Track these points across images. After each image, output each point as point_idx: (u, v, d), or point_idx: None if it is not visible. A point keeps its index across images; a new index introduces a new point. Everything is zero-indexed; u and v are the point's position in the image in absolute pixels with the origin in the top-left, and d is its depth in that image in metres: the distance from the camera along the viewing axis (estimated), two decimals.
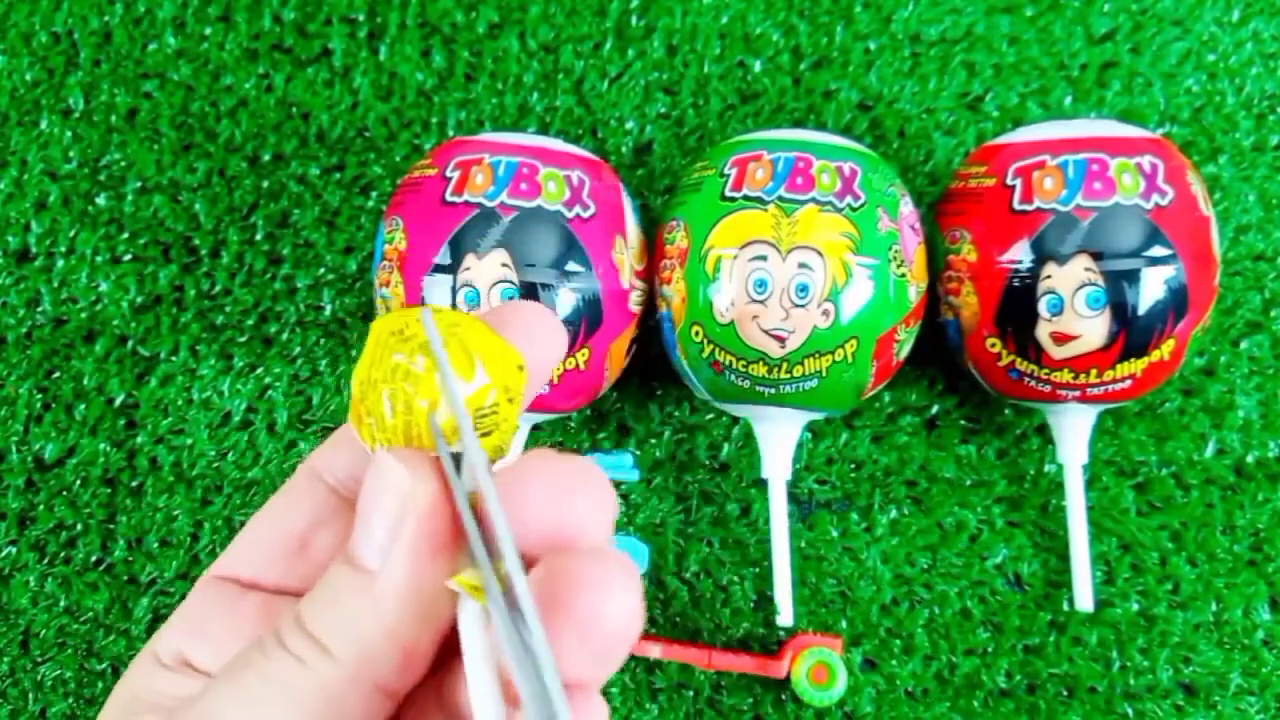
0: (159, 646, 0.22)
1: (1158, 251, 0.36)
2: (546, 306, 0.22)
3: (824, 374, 0.37)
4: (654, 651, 0.41)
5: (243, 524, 0.44)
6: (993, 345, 0.39)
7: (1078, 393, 0.38)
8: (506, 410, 0.20)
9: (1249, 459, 0.44)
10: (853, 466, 0.44)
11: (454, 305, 0.37)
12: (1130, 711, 0.42)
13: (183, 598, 0.45)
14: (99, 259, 0.47)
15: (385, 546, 0.18)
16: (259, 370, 0.45)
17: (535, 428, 0.44)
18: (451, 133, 0.47)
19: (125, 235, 0.47)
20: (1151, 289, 0.36)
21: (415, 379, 0.19)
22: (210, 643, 0.21)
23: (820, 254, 0.36)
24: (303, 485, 0.23)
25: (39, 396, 0.46)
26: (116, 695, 0.21)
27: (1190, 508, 0.43)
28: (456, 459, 0.19)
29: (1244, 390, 0.44)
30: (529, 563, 0.18)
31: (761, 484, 0.44)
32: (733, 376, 0.38)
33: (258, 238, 0.47)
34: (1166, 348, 0.37)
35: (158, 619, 0.44)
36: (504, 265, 0.36)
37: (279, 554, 0.22)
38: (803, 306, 0.36)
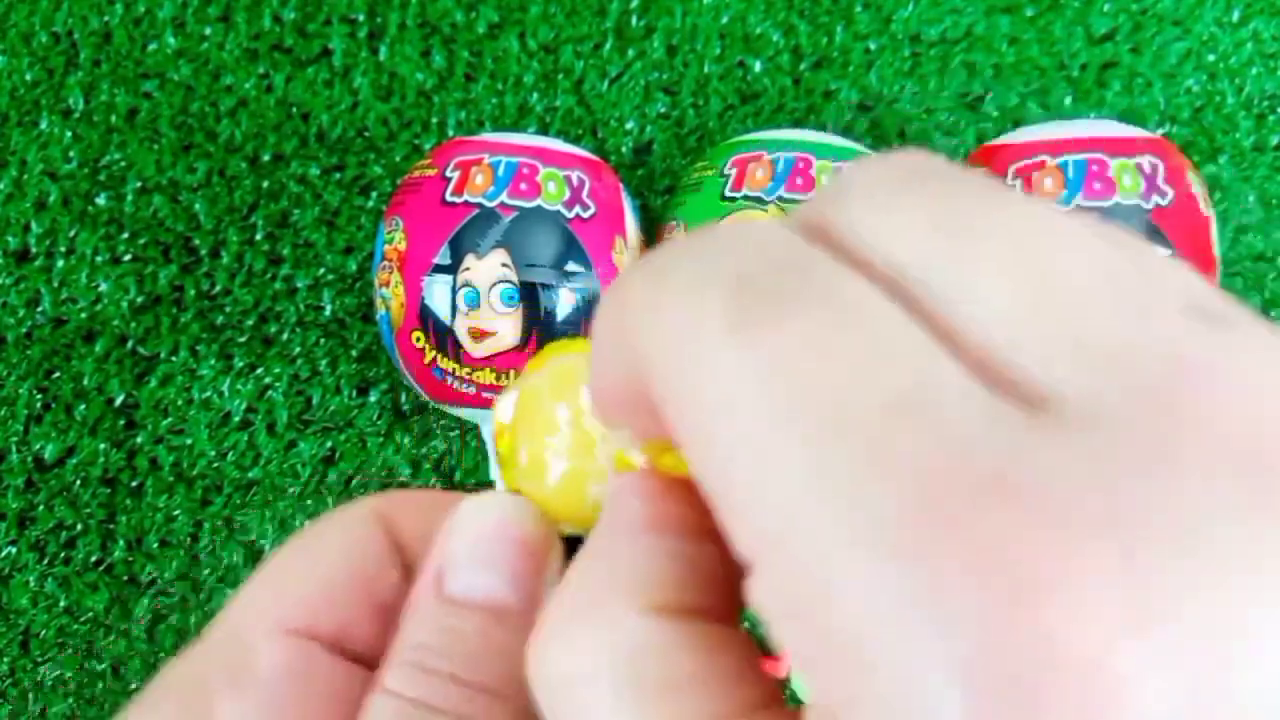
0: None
1: (1158, 252, 0.36)
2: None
3: None
4: None
5: (243, 525, 0.45)
6: None
7: None
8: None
9: None
10: None
11: (453, 304, 0.37)
12: None
13: (184, 600, 0.45)
14: (99, 259, 0.47)
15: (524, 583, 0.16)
16: (259, 370, 0.45)
17: None
18: (451, 133, 0.47)
19: (125, 235, 0.47)
20: None
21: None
22: None
23: None
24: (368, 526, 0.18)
25: (39, 396, 0.46)
26: None
27: None
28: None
29: None
30: None
31: None
32: None
33: (258, 238, 0.47)
34: None
35: (158, 619, 0.44)
36: (504, 265, 0.36)
37: (363, 603, 0.17)
38: None
